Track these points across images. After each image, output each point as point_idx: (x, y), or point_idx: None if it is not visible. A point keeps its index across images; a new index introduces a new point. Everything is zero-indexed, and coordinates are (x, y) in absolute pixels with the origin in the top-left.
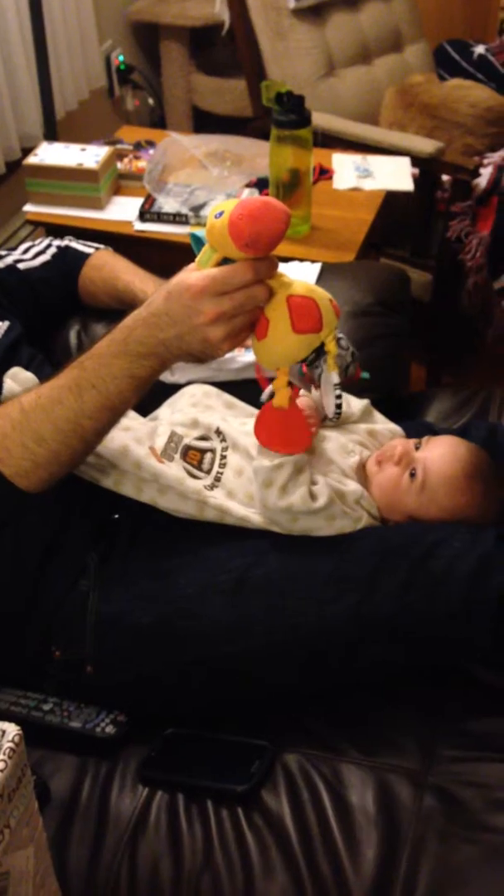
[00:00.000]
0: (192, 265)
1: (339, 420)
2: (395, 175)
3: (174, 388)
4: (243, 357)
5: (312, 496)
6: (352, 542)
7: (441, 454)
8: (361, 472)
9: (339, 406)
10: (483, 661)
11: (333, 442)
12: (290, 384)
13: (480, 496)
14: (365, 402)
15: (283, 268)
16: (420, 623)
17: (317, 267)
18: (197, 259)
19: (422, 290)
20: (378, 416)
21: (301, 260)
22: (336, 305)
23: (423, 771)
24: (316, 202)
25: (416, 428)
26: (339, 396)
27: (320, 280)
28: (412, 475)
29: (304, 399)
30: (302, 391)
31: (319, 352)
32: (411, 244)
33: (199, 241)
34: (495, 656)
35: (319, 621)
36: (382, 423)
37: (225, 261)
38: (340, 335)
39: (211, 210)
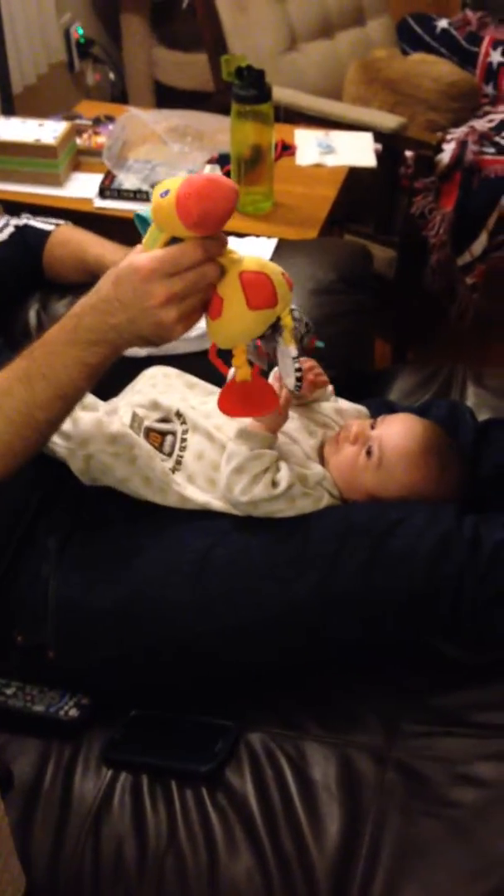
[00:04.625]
0: (139, 247)
1: (301, 392)
2: (358, 151)
3: (135, 369)
4: (202, 323)
5: (274, 483)
6: (313, 522)
7: (396, 431)
8: (323, 454)
9: (299, 379)
10: (446, 637)
11: (296, 422)
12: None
13: (437, 471)
14: (329, 387)
15: (235, 244)
16: (383, 601)
17: (272, 243)
18: (144, 240)
19: (386, 266)
20: (341, 400)
21: (257, 236)
22: (289, 278)
23: (386, 746)
24: (278, 178)
25: (376, 406)
26: (298, 369)
27: (281, 257)
28: (368, 453)
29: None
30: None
31: (274, 326)
32: (374, 220)
33: (144, 222)
34: (458, 632)
35: (283, 600)
36: (349, 404)
37: (173, 240)
38: (293, 306)
39: (155, 188)
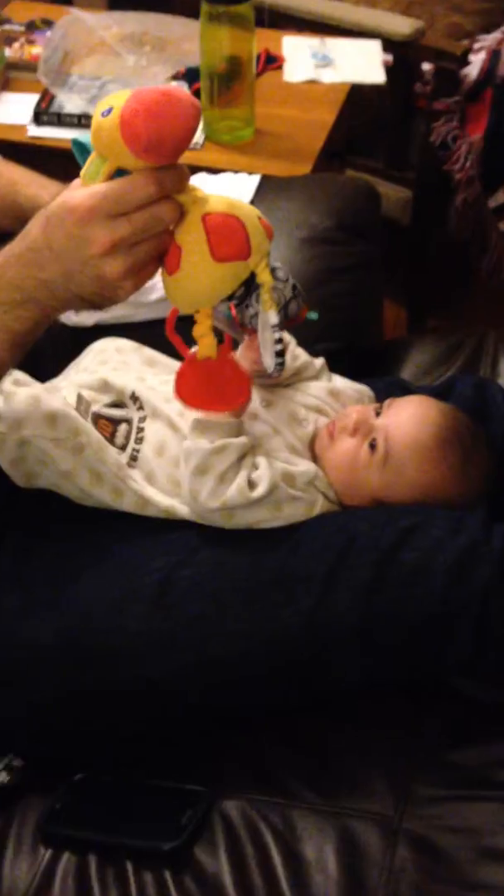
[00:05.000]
0: (76, 181)
1: (282, 374)
2: (363, 63)
3: (80, 342)
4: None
5: (251, 484)
6: (304, 533)
7: (407, 418)
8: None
9: (280, 354)
10: (466, 672)
11: (281, 408)
12: (215, 331)
13: (458, 468)
14: (319, 360)
15: (206, 182)
16: (390, 629)
17: (253, 181)
18: (82, 172)
19: (399, 209)
20: (336, 377)
21: (235, 171)
22: (267, 224)
23: (396, 815)
24: (261, 99)
25: (384, 387)
26: (279, 341)
27: (265, 199)
28: (372, 447)
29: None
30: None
31: (250, 286)
32: (385, 152)
33: (83, 149)
34: (479, 665)
35: (266, 632)
36: (347, 383)
37: (119, 173)
38: (277, 264)
39: (97, 106)
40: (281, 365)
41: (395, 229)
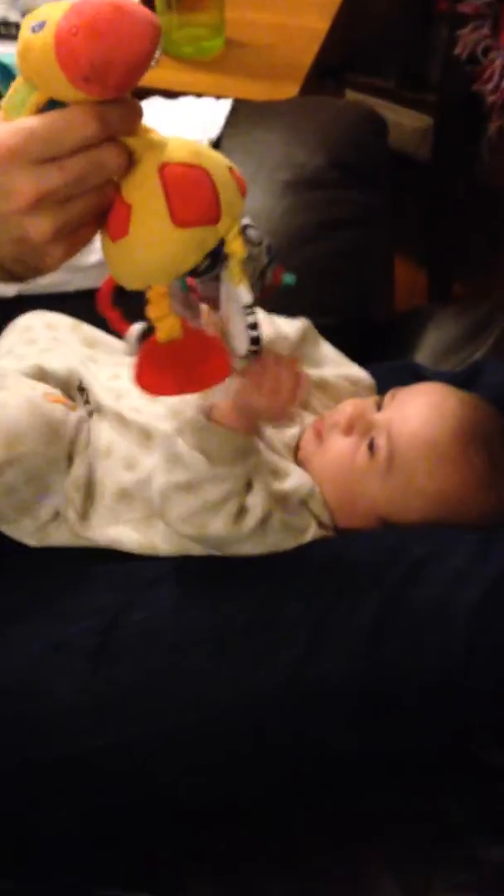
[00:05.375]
0: None
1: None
2: None
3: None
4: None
5: (241, 511)
6: (290, 566)
7: (416, 411)
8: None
9: (255, 340)
10: (498, 741)
11: None
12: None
13: (484, 475)
14: (301, 323)
15: (159, 111)
16: (399, 688)
17: (223, 107)
18: (3, 102)
19: (415, 142)
20: (327, 349)
21: (199, 95)
22: (240, 177)
23: None
24: (233, 1)
25: (392, 375)
26: (253, 326)
27: (238, 130)
28: (371, 448)
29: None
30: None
31: (216, 256)
32: (397, 69)
33: (6, 73)
34: None
35: (237, 694)
36: (338, 366)
37: (52, 105)
38: (248, 222)
39: (26, 19)
40: (256, 352)
41: (410, 168)
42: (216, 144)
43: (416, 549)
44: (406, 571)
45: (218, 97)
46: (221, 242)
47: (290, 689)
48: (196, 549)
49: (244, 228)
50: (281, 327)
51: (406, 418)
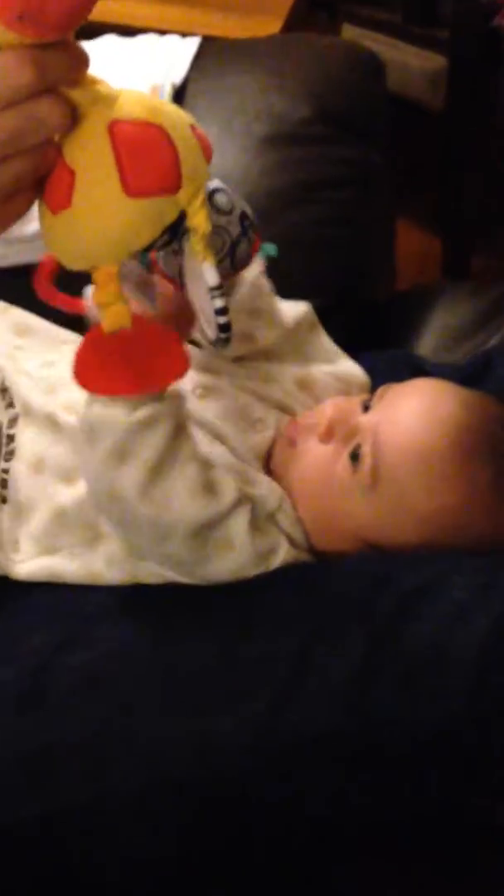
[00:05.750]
0: None
1: (227, 348)
2: None
3: None
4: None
5: (209, 488)
6: (258, 595)
7: (407, 413)
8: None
9: (225, 327)
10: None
11: (226, 400)
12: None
13: (489, 490)
14: (301, 308)
15: (110, 49)
16: (389, 738)
17: (189, 46)
18: None
19: (425, 87)
20: (325, 342)
21: (161, 32)
22: (203, 136)
23: None
24: None
25: (386, 367)
26: (222, 311)
27: (203, 73)
28: (354, 458)
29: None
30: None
31: (175, 231)
32: (402, 0)
33: None
34: None
35: (195, 752)
36: (330, 362)
37: None
38: (216, 185)
39: None
40: (226, 340)
41: (419, 118)
42: (180, 92)
43: (410, 578)
44: (398, 604)
45: (183, 35)
46: (182, 215)
47: (258, 746)
48: (148, 575)
49: (211, 194)
50: (282, 312)
51: (396, 423)
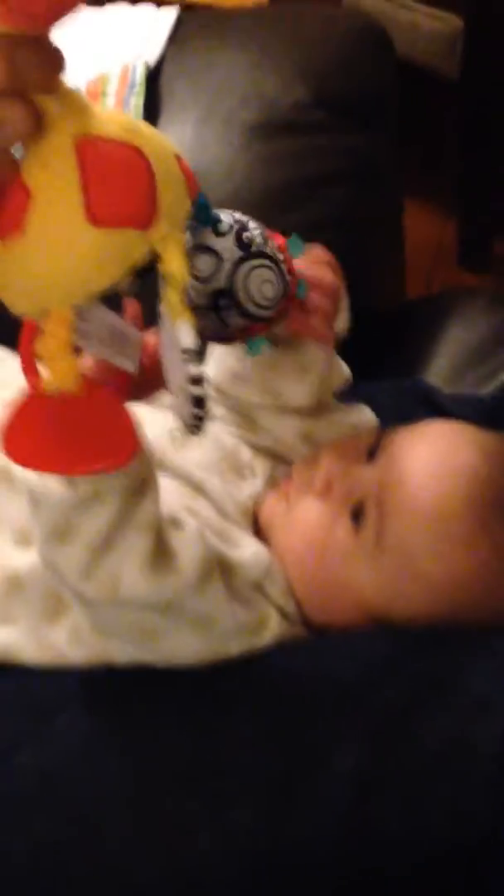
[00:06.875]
0: None
1: (199, 432)
2: None
3: None
4: None
5: (168, 557)
6: (242, 681)
7: (418, 468)
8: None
9: (198, 401)
10: None
11: (208, 443)
12: (77, 348)
13: None
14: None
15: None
16: (393, 855)
17: (168, 17)
18: None
19: (441, 52)
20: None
21: (134, 1)
22: (188, 169)
23: None
24: None
25: (397, 398)
26: (196, 380)
27: (183, 50)
28: (356, 518)
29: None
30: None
31: (144, 272)
32: None
33: None
34: None
35: (168, 871)
36: (340, 410)
37: None
38: (222, 216)
39: None
40: (198, 420)
41: (432, 86)
42: (155, 73)
43: (421, 663)
44: (407, 695)
45: (159, 4)
46: (156, 256)
47: (240, 863)
48: (118, 653)
49: (216, 223)
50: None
51: (404, 477)
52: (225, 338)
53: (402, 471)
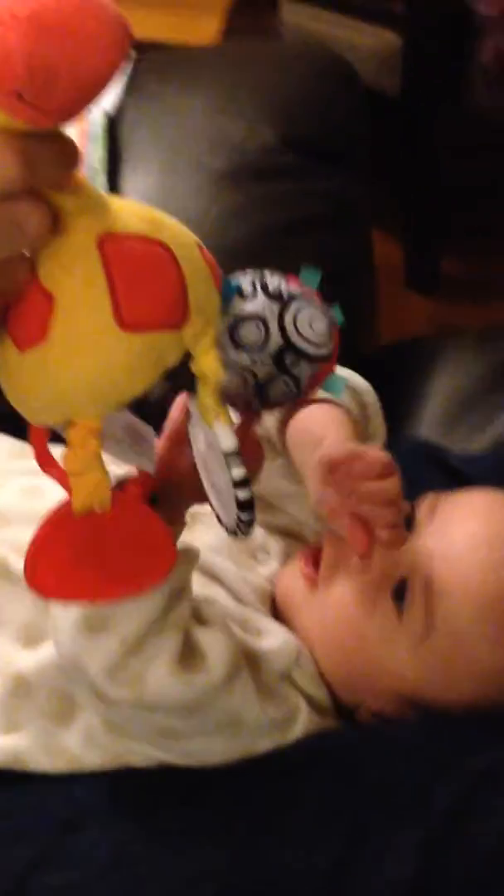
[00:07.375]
0: None
1: (249, 533)
2: None
3: None
4: None
5: (196, 656)
6: (281, 784)
7: (468, 544)
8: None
9: (246, 504)
10: None
11: (218, 526)
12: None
13: None
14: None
15: None
16: None
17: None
18: None
19: (378, 69)
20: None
21: None
22: (212, 260)
23: None
24: None
25: (413, 463)
26: (242, 483)
27: (134, 97)
28: (399, 596)
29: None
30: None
31: (180, 378)
32: None
33: None
34: None
35: None
36: None
37: None
38: (243, 283)
39: None
40: (248, 523)
41: (376, 104)
42: (114, 122)
43: (473, 758)
44: (461, 794)
45: None
46: (187, 356)
47: None
48: (137, 756)
49: (263, 286)
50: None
51: (454, 553)
52: (300, 395)
53: (452, 547)
